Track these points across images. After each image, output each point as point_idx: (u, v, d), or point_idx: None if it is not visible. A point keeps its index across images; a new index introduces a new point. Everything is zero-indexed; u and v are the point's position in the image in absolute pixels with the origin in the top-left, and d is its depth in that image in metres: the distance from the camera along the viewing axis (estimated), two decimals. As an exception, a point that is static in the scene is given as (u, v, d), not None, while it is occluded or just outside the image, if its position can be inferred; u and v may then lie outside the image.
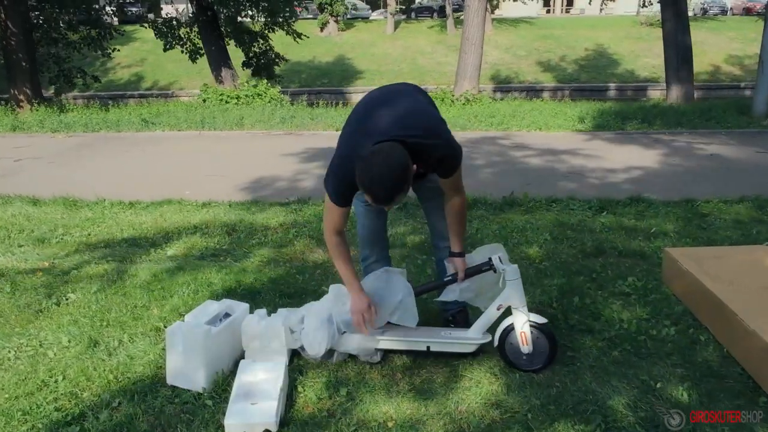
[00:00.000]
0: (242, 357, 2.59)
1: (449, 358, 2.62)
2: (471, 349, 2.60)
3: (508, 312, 2.55)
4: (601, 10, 31.84)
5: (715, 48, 26.65)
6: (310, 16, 34.72)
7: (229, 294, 3.31)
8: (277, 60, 15.62)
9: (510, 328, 2.54)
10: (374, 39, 29.88)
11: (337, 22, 31.14)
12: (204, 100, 12.13)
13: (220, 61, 13.81)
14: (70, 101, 15.71)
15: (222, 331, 2.50)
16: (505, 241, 4.11)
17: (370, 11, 39.86)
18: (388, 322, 2.63)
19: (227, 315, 2.63)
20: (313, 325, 2.55)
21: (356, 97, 22.13)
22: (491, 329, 2.59)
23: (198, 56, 14.68)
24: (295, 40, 15.23)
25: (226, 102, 11.80)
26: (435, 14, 37.42)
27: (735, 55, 25.82)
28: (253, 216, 4.99)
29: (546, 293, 3.25)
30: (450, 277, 2.61)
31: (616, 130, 9.69)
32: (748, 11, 36.00)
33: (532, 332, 2.52)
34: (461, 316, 2.89)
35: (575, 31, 29.84)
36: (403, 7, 35.78)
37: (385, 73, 24.91)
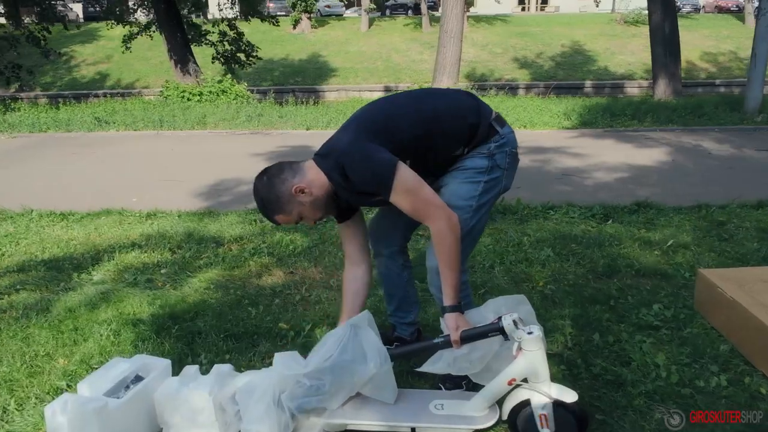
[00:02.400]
0: (159, 438, 1.91)
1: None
2: (471, 432, 1.92)
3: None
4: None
5: (690, 45, 26.54)
6: (282, 13, 33.88)
7: (159, 336, 2.61)
8: (248, 49, 14.85)
9: (525, 404, 1.88)
10: (348, 36, 29.19)
11: (309, 19, 30.38)
12: (165, 98, 11.29)
13: (181, 56, 12.90)
14: (32, 100, 14.76)
15: (126, 404, 1.80)
16: (501, 259, 3.47)
17: (344, 9, 39.12)
18: (358, 394, 1.95)
19: (137, 379, 1.93)
20: (256, 412, 1.85)
21: (330, 95, 21.42)
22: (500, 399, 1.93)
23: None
24: (271, 23, 14.47)
25: (188, 99, 10.99)
26: (410, 11, 36.80)
27: (709, 53, 25.71)
28: (205, 228, 4.28)
29: (558, 329, 2.61)
30: (441, 339, 1.93)
31: (604, 127, 9.16)
32: (720, 9, 36.13)
33: (556, 412, 1.86)
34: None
35: (551, 29, 29.52)
36: (374, 7, 35.12)
37: (360, 71, 24.33)
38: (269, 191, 1.93)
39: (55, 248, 3.93)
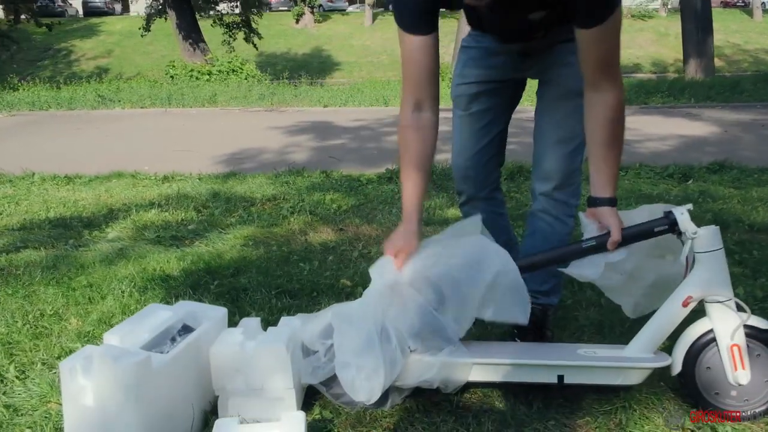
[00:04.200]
0: (215, 410, 1.39)
1: (582, 393, 1.45)
2: (636, 378, 1.42)
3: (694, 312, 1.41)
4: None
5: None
6: (285, 8, 33.38)
7: (196, 292, 2.09)
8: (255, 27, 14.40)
9: (707, 341, 1.39)
10: (352, 31, 28.72)
11: (312, 13, 29.91)
12: (172, 77, 10.74)
13: (190, 34, 12.33)
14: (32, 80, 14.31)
15: (175, 360, 1.28)
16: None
17: (347, 4, 38.65)
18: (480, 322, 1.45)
19: (185, 330, 1.40)
20: (355, 345, 1.34)
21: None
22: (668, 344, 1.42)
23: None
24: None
25: (197, 78, 10.44)
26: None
27: (717, 46, 25.24)
28: (232, 189, 3.75)
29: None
30: (593, 242, 1.43)
31: (639, 104, 8.64)
32: (725, 5, 35.60)
33: (751, 346, 1.37)
34: (536, 318, 1.72)
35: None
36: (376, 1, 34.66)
37: (364, 65, 23.88)
38: None
39: (61, 208, 3.40)
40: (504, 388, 1.50)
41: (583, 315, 1.93)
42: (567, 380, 1.42)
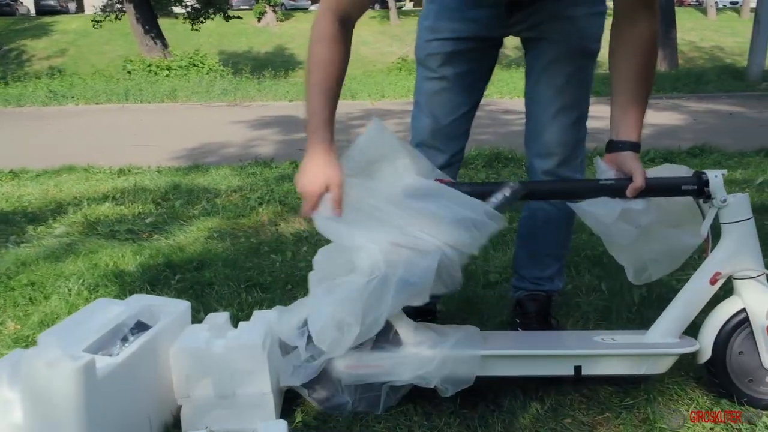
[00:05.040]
0: (178, 423, 1.17)
1: (597, 387, 1.28)
2: (661, 367, 1.26)
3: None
4: None
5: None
6: (246, 7, 32.82)
7: (154, 288, 1.85)
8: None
9: (738, 322, 1.24)
10: (316, 28, 28.41)
11: (274, 12, 29.48)
12: (129, 72, 10.29)
13: (149, 29, 11.84)
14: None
15: (125, 365, 1.05)
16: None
17: (309, 2, 38.25)
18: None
19: (140, 327, 1.17)
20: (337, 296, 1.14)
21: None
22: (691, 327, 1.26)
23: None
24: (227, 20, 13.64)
25: (155, 74, 10.03)
26: (376, 4, 36.15)
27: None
28: (194, 181, 3.50)
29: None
30: (612, 181, 1.26)
31: (605, 95, 8.62)
32: (680, 3, 36.49)
33: None
34: (540, 305, 1.56)
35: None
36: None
37: (329, 62, 23.61)
38: None
39: (2, 203, 3.10)
40: (511, 384, 1.32)
41: (585, 301, 1.77)
42: (585, 372, 1.25)
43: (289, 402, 1.27)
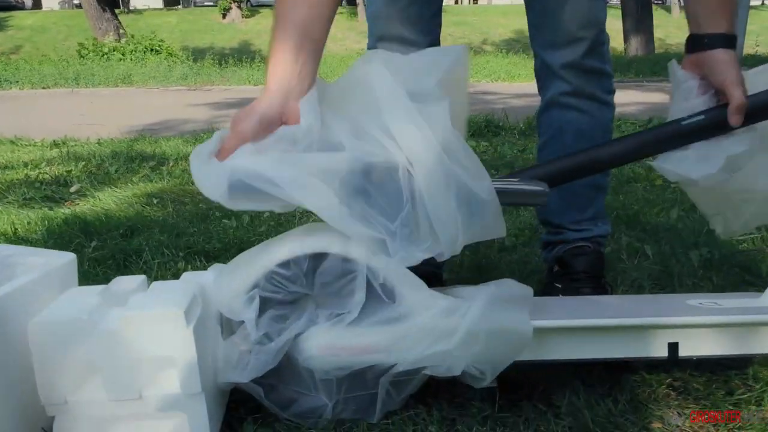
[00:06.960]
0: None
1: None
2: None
3: None
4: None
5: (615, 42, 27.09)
6: (210, 3, 32.03)
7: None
8: None
9: None
10: (284, 22, 27.90)
11: (240, 8, 28.83)
12: (82, 56, 9.60)
13: (104, 11, 11.07)
14: None
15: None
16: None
17: (278, -2, 37.59)
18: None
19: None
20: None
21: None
22: None
23: None
24: None
25: (109, 58, 9.36)
26: (344, 1, 35.73)
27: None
28: (138, 148, 3.00)
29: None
30: (702, 117, 0.87)
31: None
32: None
33: None
34: (590, 260, 1.13)
35: (488, 18, 29.33)
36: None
37: (296, 57, 23.19)
38: None
39: None
40: (566, 374, 0.90)
41: (631, 266, 1.37)
42: (683, 352, 0.83)
43: (234, 409, 0.82)
